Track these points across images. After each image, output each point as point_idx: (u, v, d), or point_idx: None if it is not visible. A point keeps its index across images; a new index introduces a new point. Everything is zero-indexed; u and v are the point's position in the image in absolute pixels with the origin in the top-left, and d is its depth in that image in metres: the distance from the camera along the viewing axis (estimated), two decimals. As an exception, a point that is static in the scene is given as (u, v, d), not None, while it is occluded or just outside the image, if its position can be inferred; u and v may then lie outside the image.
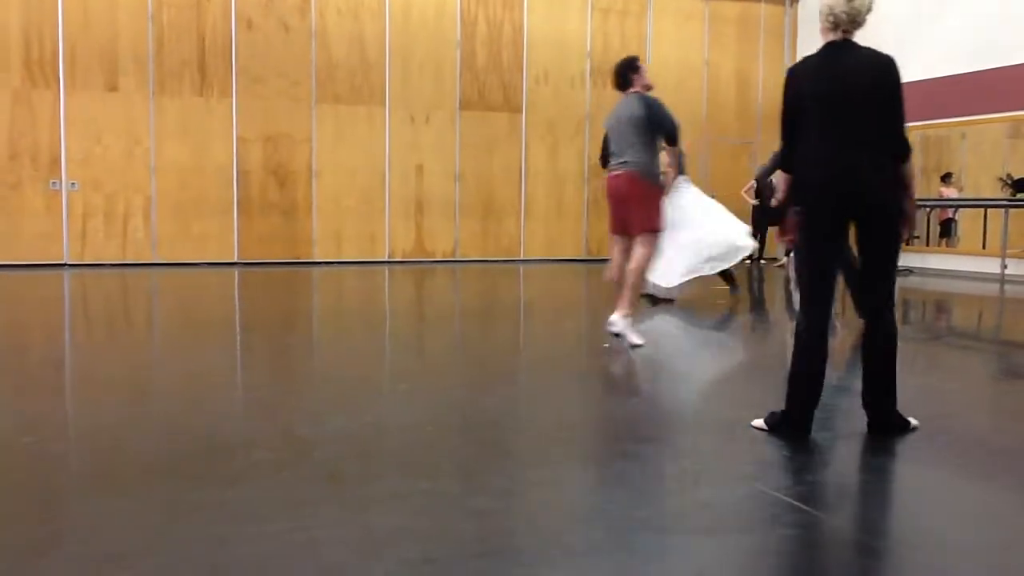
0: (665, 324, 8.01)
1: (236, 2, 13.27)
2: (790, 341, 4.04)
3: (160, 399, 4.77)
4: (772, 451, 3.77)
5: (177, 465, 3.48)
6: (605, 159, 7.01)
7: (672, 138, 6.48)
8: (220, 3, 13.22)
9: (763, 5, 16.42)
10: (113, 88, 12.80)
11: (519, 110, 14.90)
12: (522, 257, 15.05)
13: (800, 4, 16.57)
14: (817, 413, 3.96)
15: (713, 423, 4.29)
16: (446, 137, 14.53)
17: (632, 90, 6.50)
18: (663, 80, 15.69)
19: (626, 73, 6.53)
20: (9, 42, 12.30)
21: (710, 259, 8.82)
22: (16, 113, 12.40)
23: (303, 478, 3.32)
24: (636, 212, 6.38)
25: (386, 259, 14.27)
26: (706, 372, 6.04)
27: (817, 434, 3.93)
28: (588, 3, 15.21)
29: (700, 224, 8.73)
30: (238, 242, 13.48)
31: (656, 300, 8.84)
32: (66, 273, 11.99)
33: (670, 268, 8.56)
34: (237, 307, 9.55)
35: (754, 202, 14.60)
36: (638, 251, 6.37)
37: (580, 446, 3.95)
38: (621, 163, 6.45)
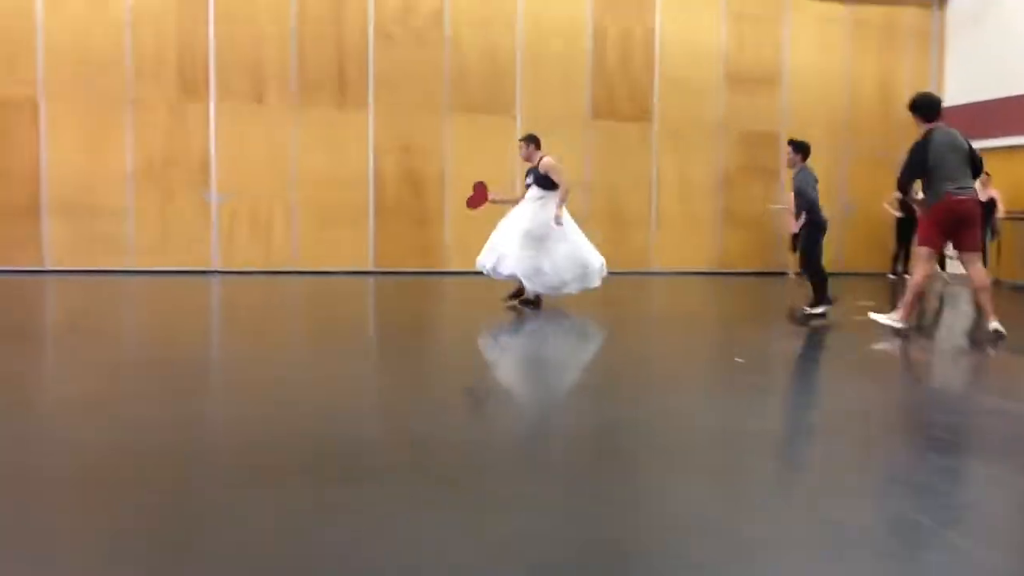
0: (842, 340, 7.77)
1: (374, 16, 13.68)
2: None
3: (298, 402, 4.96)
4: (908, 468, 3.61)
5: (312, 465, 3.61)
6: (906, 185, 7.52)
7: (979, 171, 7.36)
8: (359, 17, 13.67)
9: (909, 8, 15.75)
10: (259, 100, 13.41)
11: (649, 119, 14.77)
12: (651, 268, 14.89)
13: (948, 7, 15.81)
14: (954, 436, 3.76)
15: (849, 438, 4.14)
16: (575, 146, 14.54)
17: (938, 123, 7.22)
18: (800, 87, 15.34)
19: (939, 107, 7.37)
20: (165, 59, 13.06)
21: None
22: (171, 125, 13.14)
23: (430, 480, 3.38)
24: (977, 233, 7.30)
25: (515, 268, 14.37)
26: (857, 386, 5.82)
27: (952, 455, 3.74)
28: (722, 9, 14.95)
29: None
30: (373, 250, 13.87)
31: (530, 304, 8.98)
32: (214, 279, 12.62)
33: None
34: (371, 313, 9.82)
35: (898, 214, 14.02)
36: (980, 267, 7.28)
37: (706, 458, 3.88)
38: (964, 188, 7.11)
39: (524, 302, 9.04)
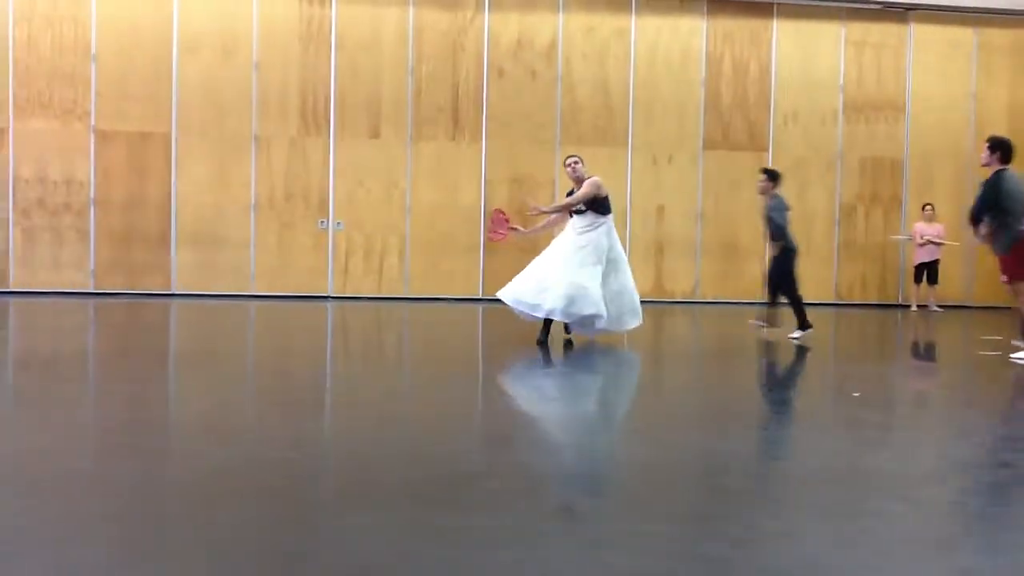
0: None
1: (488, 52, 13.94)
2: None
3: (408, 426, 5.03)
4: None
5: (420, 489, 3.64)
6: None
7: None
8: (474, 54, 13.95)
9: (1042, 31, 15.04)
10: (375, 135, 13.81)
11: (765, 148, 14.52)
12: (765, 299, 14.55)
13: (1087, 28, 15.02)
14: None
15: (979, 481, 3.92)
16: (688, 177, 14.41)
17: (1009, 166, 7.84)
18: (924, 115, 14.81)
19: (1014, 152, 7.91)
20: (289, 96, 13.63)
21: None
22: (292, 159, 13.67)
23: (537, 510, 3.37)
24: None
25: (625, 299, 14.28)
26: (973, 424, 5.54)
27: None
28: (841, 37, 14.62)
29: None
30: (483, 279, 14.02)
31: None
32: (329, 305, 12.99)
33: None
34: (480, 341, 9.91)
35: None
36: None
37: (821, 498, 3.74)
38: None
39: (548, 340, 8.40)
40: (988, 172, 7.97)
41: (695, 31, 14.35)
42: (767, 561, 2.95)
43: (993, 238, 7.74)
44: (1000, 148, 7.91)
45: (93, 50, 13.14)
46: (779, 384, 7.28)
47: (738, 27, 14.44)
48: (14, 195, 13.08)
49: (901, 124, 14.62)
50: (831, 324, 12.21)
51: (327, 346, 9.08)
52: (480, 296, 13.97)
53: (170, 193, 13.37)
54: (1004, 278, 7.94)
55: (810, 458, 4.41)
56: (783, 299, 9.42)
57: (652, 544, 3.02)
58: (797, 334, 9.21)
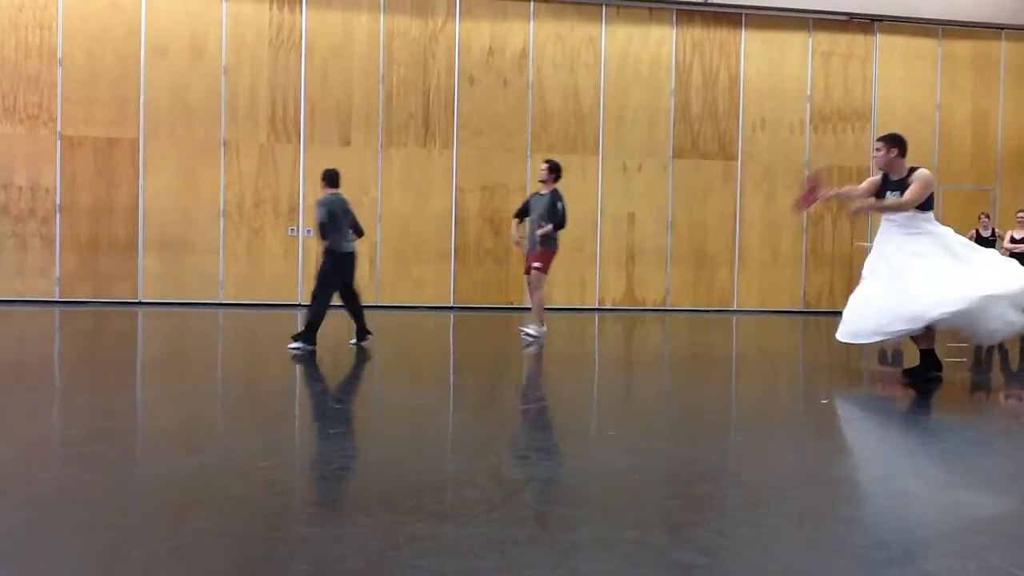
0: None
1: (460, 60, 13.95)
2: None
3: (380, 434, 5.01)
4: (994, 520, 3.45)
5: (393, 498, 3.63)
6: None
7: None
8: (445, 61, 13.95)
9: (1004, 43, 15.34)
10: (346, 142, 13.75)
11: (734, 157, 14.65)
12: (735, 307, 14.68)
13: (1047, 40, 15.33)
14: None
15: (964, 490, 3.98)
16: (658, 185, 14.50)
17: None
18: (890, 124, 15.01)
19: None
20: (258, 101, 13.54)
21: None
22: (261, 166, 13.57)
23: (511, 518, 3.37)
24: None
25: (596, 306, 14.35)
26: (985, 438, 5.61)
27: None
28: (808, 47, 14.80)
29: None
30: (454, 287, 14.01)
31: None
32: (299, 313, 12.89)
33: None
34: (452, 350, 9.89)
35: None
36: None
37: (793, 505, 3.77)
38: None
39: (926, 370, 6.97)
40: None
41: (665, 40, 14.46)
42: (742, 568, 2.97)
43: None
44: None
45: (59, 54, 12.99)
46: (750, 393, 7.33)
47: (707, 36, 14.57)
48: (-23, 201, 12.87)
49: (867, 133, 14.81)
50: (800, 331, 12.32)
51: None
52: (451, 304, 13.95)
53: (138, 199, 13.23)
54: None
55: (779, 465, 4.45)
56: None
57: (625, 551, 3.03)
58: (297, 344, 8.15)
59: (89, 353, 8.74)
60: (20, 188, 12.99)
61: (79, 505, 3.47)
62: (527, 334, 9.53)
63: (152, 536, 3.16)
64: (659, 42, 14.45)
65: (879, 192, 7.03)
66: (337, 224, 8.31)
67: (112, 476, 3.93)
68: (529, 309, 10.45)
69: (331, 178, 8.60)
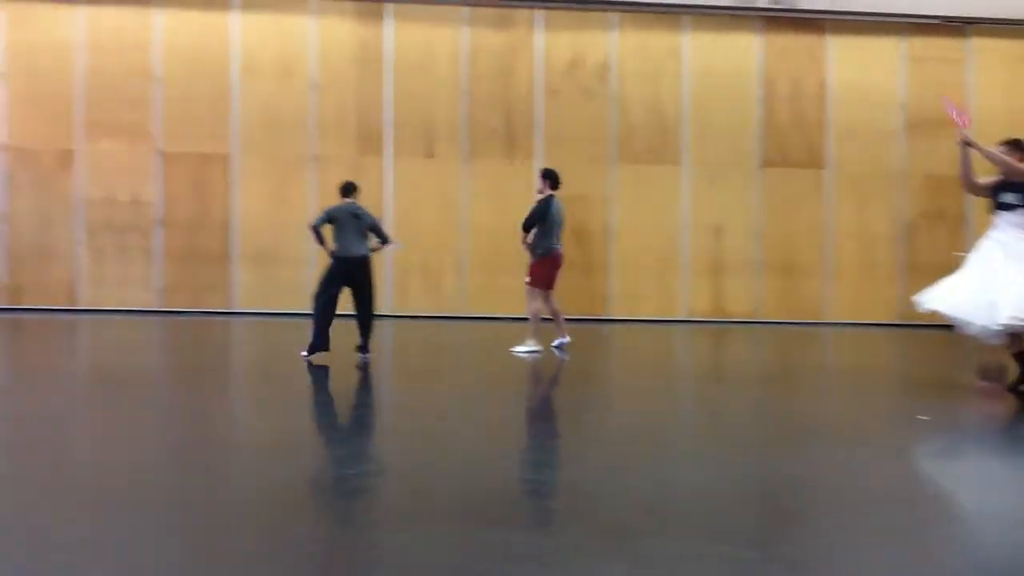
0: None
1: (543, 72, 14.00)
2: None
3: (462, 445, 5.04)
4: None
5: (474, 507, 3.65)
6: None
7: None
8: (527, 74, 14.01)
9: (1112, 43, 14.64)
10: (430, 155, 13.94)
11: (823, 166, 14.32)
12: (825, 320, 14.32)
13: None
14: None
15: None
16: (745, 196, 14.27)
17: None
18: (988, 131, 14.44)
19: None
20: (345, 119, 13.82)
21: None
22: (349, 179, 13.82)
23: (591, 529, 3.35)
24: None
25: (683, 318, 14.18)
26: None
27: None
28: (900, 53, 14.39)
29: None
30: (538, 298, 14.01)
31: None
32: (387, 323, 13.08)
33: None
34: (536, 361, 9.89)
35: None
36: None
37: (885, 521, 3.65)
38: None
39: None
40: None
41: (749, 48, 14.25)
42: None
43: None
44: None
45: (158, 74, 13.50)
46: (843, 408, 7.14)
47: (793, 43, 14.30)
48: (83, 216, 13.46)
49: (964, 140, 14.29)
50: (894, 345, 11.95)
51: (387, 365, 9.15)
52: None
53: (230, 213, 13.64)
54: None
55: (873, 482, 4.32)
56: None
57: (710, 565, 2.98)
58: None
59: (188, 362, 9.04)
60: (123, 203, 13.54)
61: (179, 510, 3.59)
62: (520, 351, 9.30)
63: (246, 540, 3.25)
64: (744, 50, 14.24)
65: (994, 190, 7.03)
66: (340, 229, 8.65)
67: (208, 483, 4.05)
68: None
69: (344, 189, 9.04)
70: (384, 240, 8.99)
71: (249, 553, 3.10)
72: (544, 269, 9.47)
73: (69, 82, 13.40)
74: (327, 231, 8.65)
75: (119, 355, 9.30)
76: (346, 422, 5.77)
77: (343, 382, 7.71)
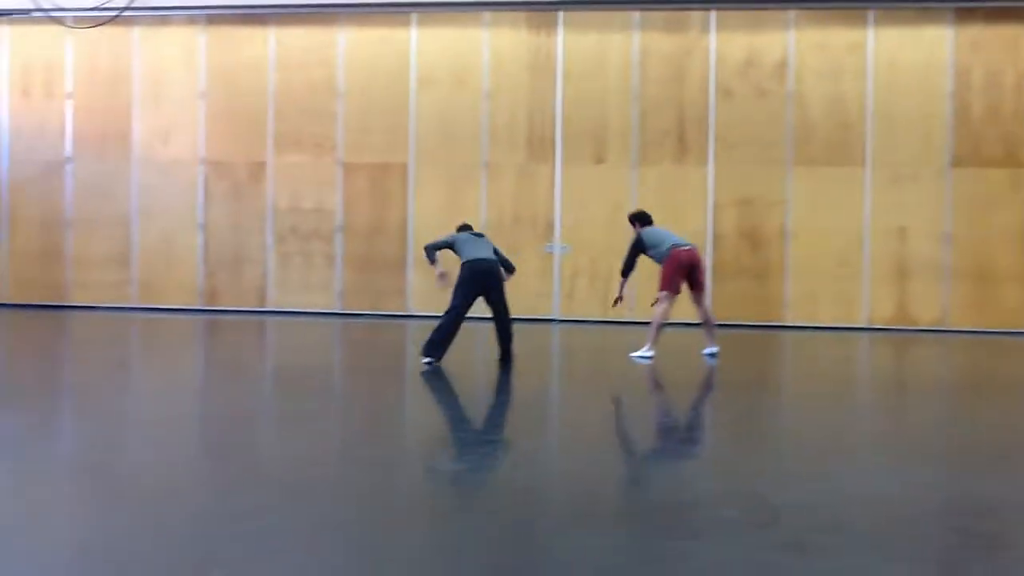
0: None
1: (716, 73, 13.72)
2: None
3: (633, 450, 5.00)
4: None
5: (645, 514, 3.60)
6: None
7: None
8: (699, 75, 13.76)
9: None
10: (600, 160, 13.92)
11: (1022, 164, 13.30)
12: (1024, 329, 13.28)
13: None
14: None
15: None
16: (933, 196, 13.45)
17: None
18: None
19: None
20: (517, 126, 14.04)
21: None
22: (520, 185, 14.05)
23: (769, 542, 3.24)
24: None
25: (864, 325, 13.51)
26: None
27: None
28: (1115, 38, 13.16)
29: None
30: (711, 302, 13.71)
31: None
32: (555, 327, 13.18)
33: None
34: (713, 368, 9.69)
35: None
36: None
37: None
38: None
39: None
40: None
41: (940, 41, 13.42)
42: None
43: None
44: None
45: (341, 88, 14.17)
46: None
47: (990, 34, 13.36)
48: (272, 223, 14.31)
49: None
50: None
51: (551, 367, 9.22)
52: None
53: (407, 219, 14.13)
54: None
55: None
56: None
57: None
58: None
59: (366, 362, 9.42)
60: (307, 211, 14.29)
61: (350, 502, 3.74)
62: (635, 356, 9.25)
63: (413, 535, 3.34)
64: (933, 43, 13.43)
65: None
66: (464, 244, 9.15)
67: (379, 478, 4.20)
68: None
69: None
70: (509, 269, 9.29)
71: (424, 547, 3.18)
72: (667, 270, 9.37)
73: (261, 99, 14.28)
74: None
75: (312, 355, 9.80)
76: (515, 421, 5.83)
77: (512, 382, 7.82)
